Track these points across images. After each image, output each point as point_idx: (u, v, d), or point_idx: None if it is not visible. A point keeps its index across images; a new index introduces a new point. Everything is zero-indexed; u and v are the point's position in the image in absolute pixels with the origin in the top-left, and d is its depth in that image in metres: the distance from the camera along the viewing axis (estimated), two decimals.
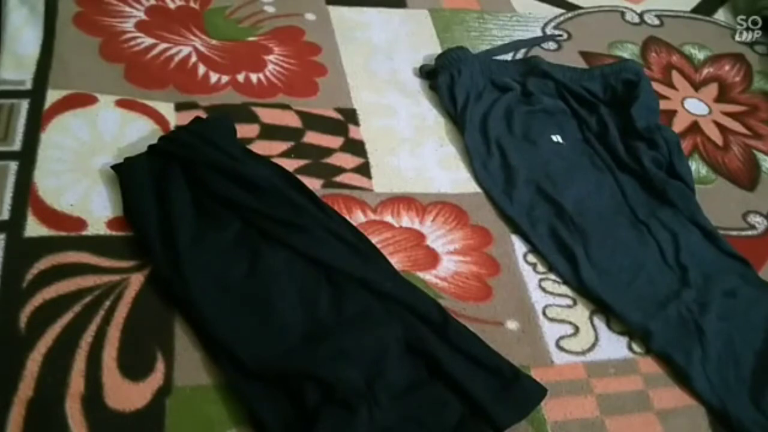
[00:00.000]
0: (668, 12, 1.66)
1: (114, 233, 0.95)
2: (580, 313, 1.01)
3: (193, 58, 1.24)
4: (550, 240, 1.08)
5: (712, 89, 1.48)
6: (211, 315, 0.86)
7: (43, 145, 1.02)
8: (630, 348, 0.98)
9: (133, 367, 0.82)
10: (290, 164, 1.09)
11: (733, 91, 1.49)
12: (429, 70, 1.31)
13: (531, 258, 1.06)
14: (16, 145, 1.02)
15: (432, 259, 1.03)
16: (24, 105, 1.07)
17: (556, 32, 1.51)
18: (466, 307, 0.98)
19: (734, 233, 1.18)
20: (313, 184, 1.06)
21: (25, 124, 1.05)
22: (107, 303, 0.87)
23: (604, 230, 1.10)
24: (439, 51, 1.35)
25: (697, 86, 1.48)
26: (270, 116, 1.17)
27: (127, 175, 0.99)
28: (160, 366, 0.83)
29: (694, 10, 1.69)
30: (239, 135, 1.08)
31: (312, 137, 1.16)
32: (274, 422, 0.79)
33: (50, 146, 1.03)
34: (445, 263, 1.03)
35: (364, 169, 1.13)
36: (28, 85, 1.10)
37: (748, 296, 1.06)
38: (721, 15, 1.70)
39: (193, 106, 1.14)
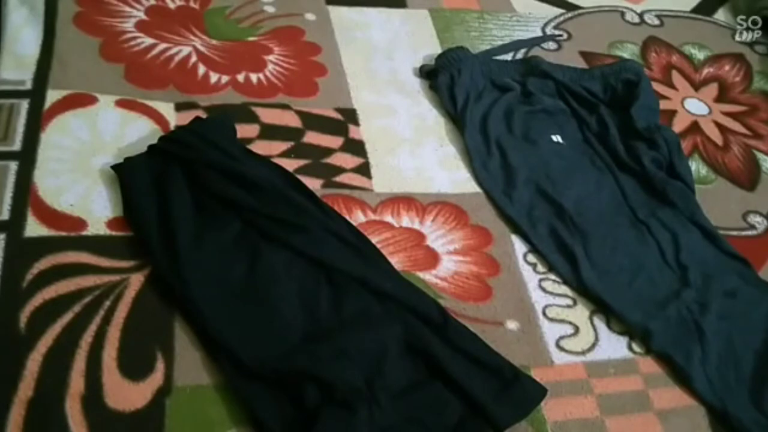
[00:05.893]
0: (668, 12, 1.66)
1: (114, 233, 0.95)
2: (580, 313, 1.01)
3: (193, 58, 1.24)
4: (550, 240, 1.08)
5: (712, 89, 1.48)
6: (211, 315, 0.86)
7: (43, 145, 1.02)
8: (630, 348, 0.98)
9: (133, 367, 0.83)
10: (290, 164, 1.09)
11: (733, 91, 1.49)
12: (429, 70, 1.31)
13: (531, 258, 1.06)
14: (16, 145, 1.02)
15: (432, 259, 1.03)
16: (24, 105, 1.07)
17: (556, 32, 1.51)
18: (466, 307, 0.98)
19: (734, 233, 1.18)
20: (313, 184, 1.06)
21: (25, 124, 1.05)
22: (107, 303, 0.87)
23: (604, 230, 1.10)
24: (439, 51, 1.35)
25: (697, 86, 1.48)
26: (270, 116, 1.17)
27: (127, 175, 0.99)
28: (160, 366, 0.83)
29: (694, 10, 1.69)
30: (239, 135, 1.08)
31: (312, 137, 1.16)
32: (274, 422, 0.79)
33: (50, 146, 1.03)
34: (445, 263, 1.03)
35: (364, 169, 1.13)
36: (28, 85, 1.10)
37: (748, 296, 1.06)
38: (721, 15, 1.70)
39: (193, 106, 1.14)
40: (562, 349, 0.96)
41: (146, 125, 1.10)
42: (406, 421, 0.82)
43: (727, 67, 1.54)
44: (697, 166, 1.28)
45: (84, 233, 0.94)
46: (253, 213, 0.96)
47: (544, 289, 1.03)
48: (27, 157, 1.00)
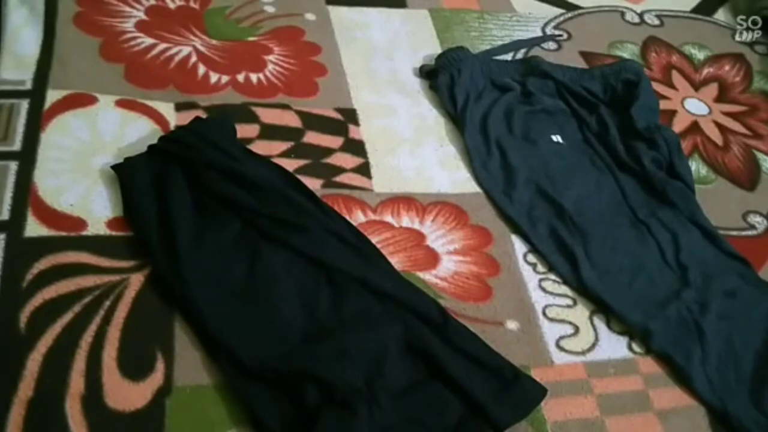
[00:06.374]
0: (668, 12, 1.66)
1: (114, 233, 0.95)
2: (580, 313, 1.01)
3: (193, 58, 1.24)
4: (550, 240, 1.08)
5: (712, 89, 1.48)
6: (211, 315, 0.86)
7: (43, 145, 1.02)
8: (630, 348, 0.98)
9: (133, 367, 0.83)
10: (290, 164, 1.09)
11: (733, 91, 1.49)
12: (429, 70, 1.31)
13: (531, 258, 1.06)
14: (16, 145, 1.02)
15: (432, 259, 1.03)
16: (24, 105, 1.07)
17: (556, 32, 1.51)
18: (466, 307, 0.98)
19: (734, 233, 1.18)
20: (313, 184, 1.06)
21: (25, 124, 1.05)
22: (107, 303, 0.87)
23: (604, 230, 1.10)
24: (439, 51, 1.35)
25: (697, 86, 1.48)
26: (270, 116, 1.17)
27: (127, 175, 0.99)
28: (160, 366, 0.83)
29: (694, 10, 1.69)
30: (239, 135, 1.08)
31: (312, 137, 1.16)
32: (274, 422, 0.79)
33: (50, 146, 1.03)
34: (445, 263, 1.03)
35: (364, 169, 1.13)
36: (28, 85, 1.10)
37: (748, 296, 1.06)
38: (721, 15, 1.70)
39: (193, 106, 1.14)
40: (562, 349, 0.96)
41: (146, 125, 1.10)
42: (406, 421, 0.82)
43: (727, 67, 1.54)
44: (697, 166, 1.28)
45: (84, 233, 0.94)
46: (253, 213, 0.96)
47: (544, 289, 1.03)
48: (27, 157, 1.00)
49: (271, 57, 1.29)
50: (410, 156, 1.17)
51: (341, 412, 0.79)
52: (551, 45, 1.47)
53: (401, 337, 0.89)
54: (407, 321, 0.90)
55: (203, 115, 1.12)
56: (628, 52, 1.51)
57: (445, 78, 1.27)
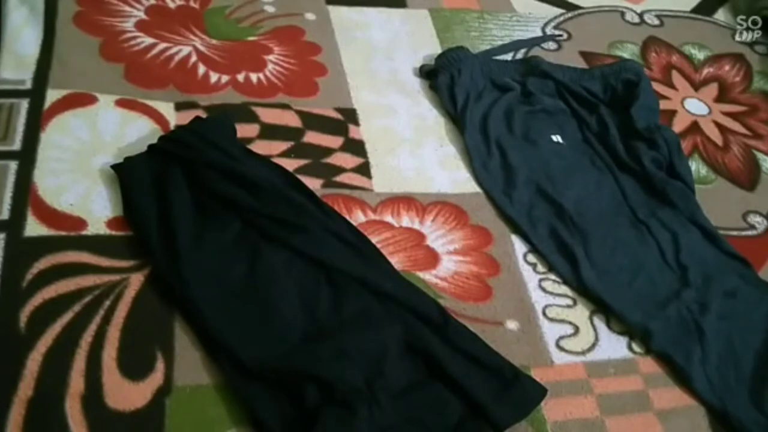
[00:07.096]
0: (668, 12, 1.66)
1: (114, 233, 0.95)
2: (580, 313, 1.01)
3: (193, 58, 1.24)
4: (550, 240, 1.08)
5: (712, 89, 1.48)
6: (211, 315, 0.86)
7: (43, 145, 1.02)
8: (630, 348, 0.98)
9: (133, 367, 0.83)
10: (290, 164, 1.09)
11: (733, 91, 1.49)
12: (429, 70, 1.31)
13: (531, 258, 1.06)
14: (16, 145, 1.02)
15: (432, 259, 1.03)
16: (24, 105, 1.07)
17: (556, 32, 1.51)
18: (466, 307, 0.98)
19: (734, 233, 1.18)
20: (313, 184, 1.06)
21: (25, 123, 1.05)
22: (107, 303, 0.87)
23: (604, 230, 1.10)
24: (439, 51, 1.35)
25: (697, 86, 1.48)
26: (270, 116, 1.17)
27: (127, 174, 0.99)
28: (160, 366, 0.83)
29: (694, 10, 1.69)
30: (239, 135, 1.08)
31: (312, 137, 1.16)
32: (273, 422, 0.79)
33: (50, 146, 1.03)
34: (445, 263, 1.03)
35: (364, 169, 1.13)
36: (28, 85, 1.10)
37: (748, 296, 1.06)
38: (721, 15, 1.70)
39: (193, 105, 1.14)
40: (562, 349, 0.96)
41: (146, 125, 1.10)
42: (406, 421, 0.82)
43: (727, 67, 1.54)
44: (697, 166, 1.29)
45: (84, 233, 0.94)
46: (253, 213, 0.96)
47: (544, 289, 1.03)
48: (27, 157, 1.00)
49: (271, 57, 1.29)
50: (410, 156, 1.17)
51: (341, 412, 0.79)
52: (551, 45, 1.47)
53: (401, 337, 0.89)
54: (407, 321, 0.90)
55: (203, 114, 1.12)
56: (628, 52, 1.51)
57: (445, 78, 1.27)
